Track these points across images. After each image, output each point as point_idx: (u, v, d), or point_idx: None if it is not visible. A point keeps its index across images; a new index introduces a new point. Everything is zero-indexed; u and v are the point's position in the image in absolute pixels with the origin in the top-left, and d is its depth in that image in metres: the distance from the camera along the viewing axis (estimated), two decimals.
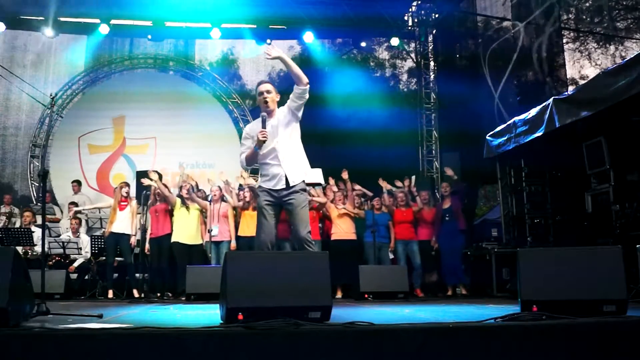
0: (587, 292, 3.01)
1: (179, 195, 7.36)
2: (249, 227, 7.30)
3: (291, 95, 4.02)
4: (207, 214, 7.32)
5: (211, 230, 7.11)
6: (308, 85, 3.97)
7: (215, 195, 7.35)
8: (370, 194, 8.09)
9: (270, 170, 4.03)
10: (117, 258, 7.60)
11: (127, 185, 7.75)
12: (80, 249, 7.75)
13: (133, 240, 7.41)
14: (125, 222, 7.41)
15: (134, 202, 7.55)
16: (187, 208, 7.26)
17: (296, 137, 4.10)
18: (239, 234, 7.32)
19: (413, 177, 8.84)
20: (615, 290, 3.02)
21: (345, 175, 7.64)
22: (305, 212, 4.01)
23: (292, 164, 4.02)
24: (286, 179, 3.97)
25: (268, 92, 4.05)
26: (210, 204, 7.31)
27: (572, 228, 7.54)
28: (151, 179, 7.33)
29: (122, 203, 7.51)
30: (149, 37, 11.63)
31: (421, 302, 6.42)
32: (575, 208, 7.44)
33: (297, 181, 4.00)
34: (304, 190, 4.08)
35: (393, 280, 6.57)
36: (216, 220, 7.24)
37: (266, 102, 4.03)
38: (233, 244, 7.23)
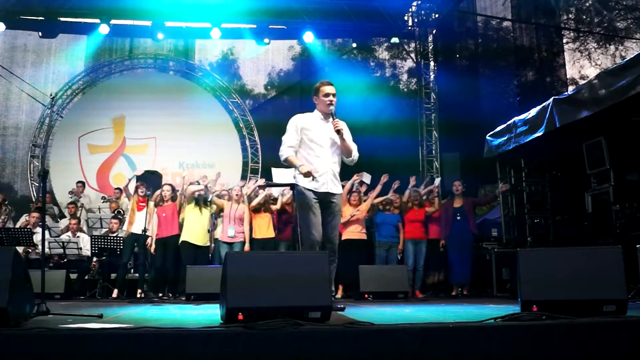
0: (587, 292, 3.00)
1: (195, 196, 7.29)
2: (260, 229, 7.33)
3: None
4: (224, 214, 7.30)
5: (211, 230, 7.08)
6: (354, 157, 4.20)
7: (237, 195, 7.33)
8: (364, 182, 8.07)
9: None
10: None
11: (144, 185, 7.70)
12: (81, 249, 7.75)
13: (149, 240, 7.34)
14: (143, 222, 7.36)
15: (151, 203, 7.48)
16: (200, 209, 7.20)
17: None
18: (253, 236, 7.32)
19: (437, 180, 8.84)
20: (615, 290, 3.02)
21: (385, 178, 7.75)
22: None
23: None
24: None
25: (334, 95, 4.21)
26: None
27: (572, 228, 7.54)
28: (199, 183, 7.33)
29: (141, 204, 7.49)
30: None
31: (421, 302, 6.42)
32: (575, 208, 7.44)
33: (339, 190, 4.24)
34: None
35: (393, 280, 6.56)
36: (233, 222, 7.23)
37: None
38: (247, 247, 7.19)
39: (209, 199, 7.28)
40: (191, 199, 7.13)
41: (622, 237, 5.89)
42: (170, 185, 7.53)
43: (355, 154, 4.19)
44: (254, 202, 7.38)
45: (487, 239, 8.62)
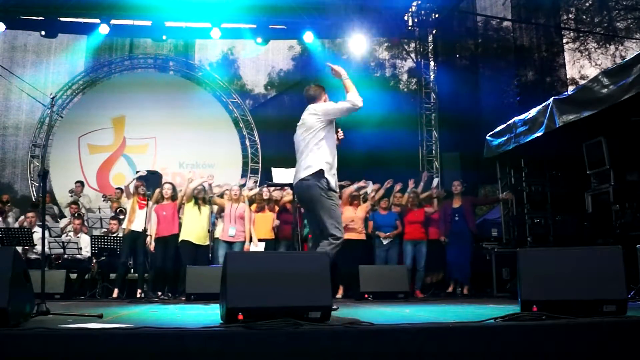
0: (587, 292, 3.00)
1: (195, 196, 7.25)
2: (260, 230, 7.31)
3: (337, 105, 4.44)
4: (224, 213, 7.27)
5: (213, 229, 7.07)
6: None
7: (235, 195, 7.32)
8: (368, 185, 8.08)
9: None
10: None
11: (144, 184, 7.69)
12: (81, 249, 7.74)
13: (149, 239, 7.30)
14: (143, 221, 7.34)
15: (150, 202, 7.47)
16: (199, 208, 7.17)
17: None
18: (255, 236, 7.29)
19: (436, 180, 8.84)
20: (615, 290, 3.02)
21: (389, 183, 7.91)
22: None
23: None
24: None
25: None
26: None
27: (572, 228, 7.54)
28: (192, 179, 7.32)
29: (142, 202, 7.47)
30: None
31: (421, 302, 6.42)
32: (575, 208, 7.44)
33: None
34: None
35: (393, 280, 6.56)
36: (233, 221, 7.22)
37: None
38: (247, 246, 7.15)
39: (209, 198, 7.27)
40: (190, 197, 7.12)
41: (622, 237, 5.89)
42: (170, 183, 7.51)
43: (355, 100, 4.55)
44: (250, 193, 7.43)
45: (487, 239, 8.62)
